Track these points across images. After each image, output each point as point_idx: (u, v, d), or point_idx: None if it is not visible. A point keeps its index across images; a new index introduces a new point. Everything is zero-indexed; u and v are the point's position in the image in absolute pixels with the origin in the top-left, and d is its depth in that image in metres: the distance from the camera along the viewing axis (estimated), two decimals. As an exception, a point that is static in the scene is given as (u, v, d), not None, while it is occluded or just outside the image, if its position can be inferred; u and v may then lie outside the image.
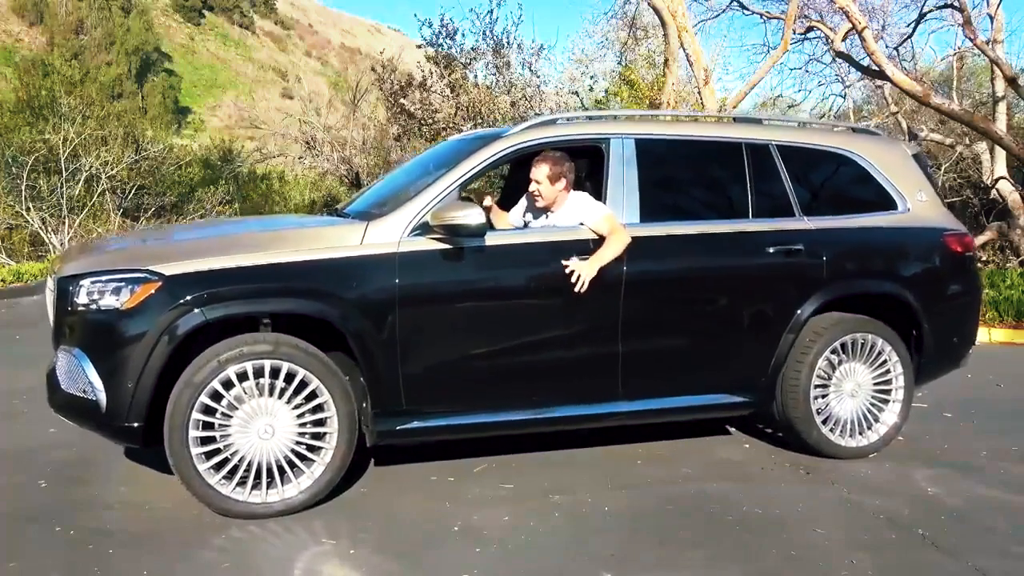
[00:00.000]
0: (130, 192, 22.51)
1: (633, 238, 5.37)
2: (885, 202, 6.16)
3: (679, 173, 5.95)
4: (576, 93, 21.89)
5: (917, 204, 6.20)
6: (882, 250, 6.07)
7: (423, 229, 5.07)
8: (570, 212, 5.60)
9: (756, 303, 5.74)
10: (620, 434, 6.08)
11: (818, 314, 5.82)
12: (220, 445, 4.72)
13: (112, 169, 21.59)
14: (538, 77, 19.50)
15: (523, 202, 5.97)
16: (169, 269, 4.69)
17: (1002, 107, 18.92)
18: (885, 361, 5.92)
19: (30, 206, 20.03)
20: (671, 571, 4.25)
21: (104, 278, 4.72)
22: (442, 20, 18.76)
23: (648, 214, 5.53)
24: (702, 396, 5.76)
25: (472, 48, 19.11)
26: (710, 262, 5.65)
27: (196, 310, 4.64)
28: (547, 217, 5.69)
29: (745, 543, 4.56)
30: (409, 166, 6.75)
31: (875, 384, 5.95)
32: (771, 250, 5.71)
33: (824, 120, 14.55)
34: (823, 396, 5.85)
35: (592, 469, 5.67)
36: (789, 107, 27.11)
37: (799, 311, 5.74)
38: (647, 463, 5.81)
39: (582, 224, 5.41)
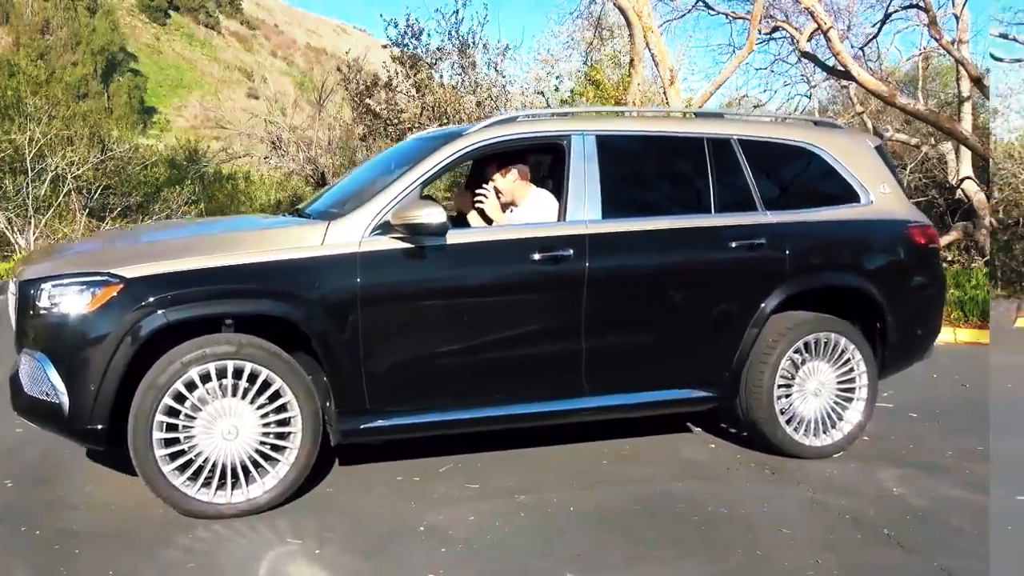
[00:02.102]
0: (96, 192, 22.41)
1: (595, 234, 5.38)
2: (848, 195, 6.16)
3: (640, 169, 5.95)
4: (542, 93, 21.89)
5: (880, 196, 6.21)
6: (845, 243, 6.08)
7: (384, 228, 5.04)
8: (535, 208, 5.62)
9: (719, 297, 5.73)
10: (586, 433, 6.07)
11: (782, 308, 5.82)
12: (184, 446, 4.68)
13: (78, 169, 21.52)
14: (503, 77, 19.51)
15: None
16: (130, 272, 4.65)
17: (967, 107, 19.12)
18: (849, 359, 5.93)
19: (-5, 207, 19.87)
20: (637, 571, 4.24)
21: (65, 281, 4.67)
22: (408, 20, 18.74)
23: (610, 210, 5.51)
24: (666, 391, 5.74)
25: (438, 48, 19.10)
26: (672, 257, 5.64)
27: (158, 312, 4.60)
28: (511, 212, 5.71)
29: (711, 543, 4.55)
30: (370, 165, 6.75)
31: (839, 383, 5.95)
32: (733, 244, 5.70)
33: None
34: (787, 396, 5.84)
35: (558, 469, 5.66)
36: (755, 107, 27.23)
37: (763, 305, 5.74)
38: (613, 463, 5.80)
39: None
